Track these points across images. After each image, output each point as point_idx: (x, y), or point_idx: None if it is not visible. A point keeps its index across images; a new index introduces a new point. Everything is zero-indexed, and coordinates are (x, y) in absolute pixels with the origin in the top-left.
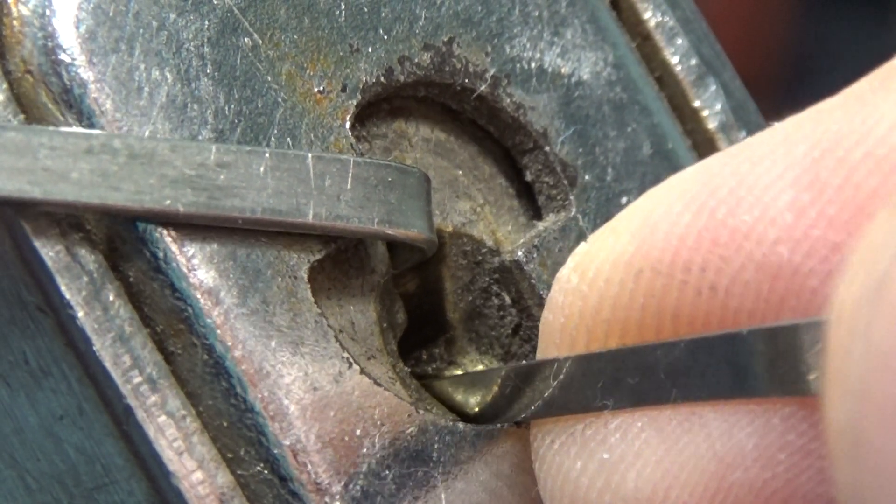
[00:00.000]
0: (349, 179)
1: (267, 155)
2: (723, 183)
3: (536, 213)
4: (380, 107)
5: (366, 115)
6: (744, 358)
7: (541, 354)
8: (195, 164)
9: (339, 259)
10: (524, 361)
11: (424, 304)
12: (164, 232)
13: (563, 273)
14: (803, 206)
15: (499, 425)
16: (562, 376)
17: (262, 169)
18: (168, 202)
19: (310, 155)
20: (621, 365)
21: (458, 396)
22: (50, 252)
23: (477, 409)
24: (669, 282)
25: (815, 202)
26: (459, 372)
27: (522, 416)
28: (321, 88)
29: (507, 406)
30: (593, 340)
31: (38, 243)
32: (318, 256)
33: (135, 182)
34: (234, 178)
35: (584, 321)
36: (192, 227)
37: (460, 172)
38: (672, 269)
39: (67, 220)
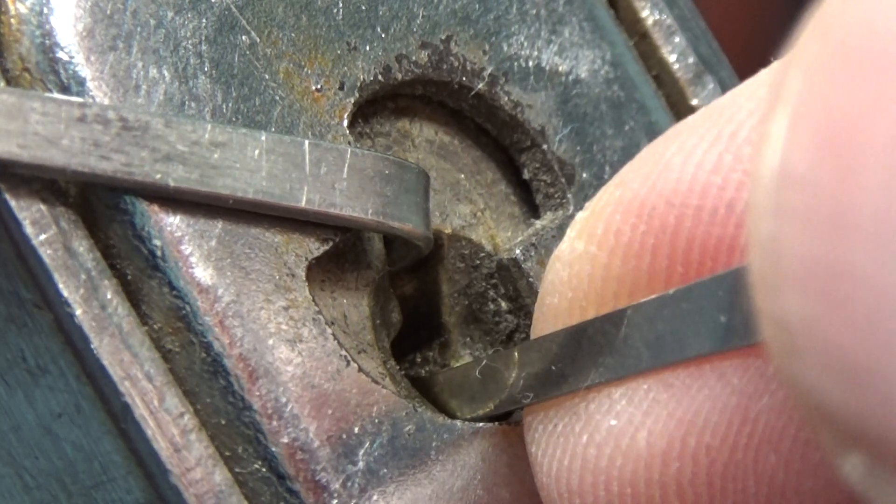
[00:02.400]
0: (345, 168)
1: (263, 138)
2: (740, 110)
3: (534, 212)
4: (384, 105)
5: (370, 113)
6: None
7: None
8: (189, 140)
9: (335, 252)
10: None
11: (420, 306)
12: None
13: (563, 247)
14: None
15: (497, 423)
16: (555, 350)
17: (256, 151)
18: (158, 176)
19: (306, 141)
20: (627, 324)
21: (452, 392)
22: (37, 231)
23: (467, 405)
24: (684, 210)
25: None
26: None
27: (525, 401)
28: (319, 86)
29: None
30: (604, 307)
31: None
32: (316, 254)
33: (126, 154)
34: (228, 158)
35: (594, 285)
36: (192, 224)
37: (462, 176)
38: (687, 197)
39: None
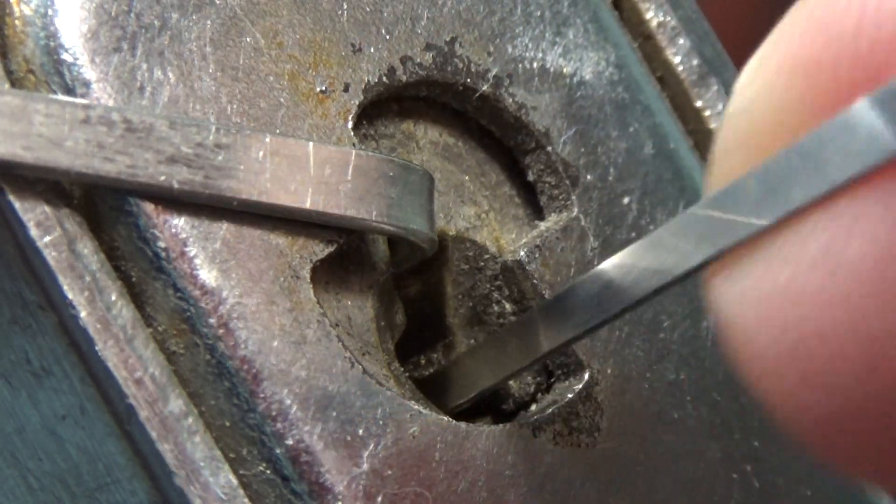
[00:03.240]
0: (350, 170)
1: (267, 139)
2: None
3: (538, 214)
4: (389, 107)
5: (374, 115)
6: None
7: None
8: (193, 142)
9: (339, 254)
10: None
11: (425, 308)
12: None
13: (741, 80)
14: None
15: (501, 426)
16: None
17: (261, 153)
18: (163, 178)
19: (311, 143)
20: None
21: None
22: (42, 233)
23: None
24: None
25: None
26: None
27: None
28: (323, 88)
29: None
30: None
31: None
32: (320, 256)
33: (130, 156)
34: (232, 160)
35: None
36: (196, 225)
37: (467, 178)
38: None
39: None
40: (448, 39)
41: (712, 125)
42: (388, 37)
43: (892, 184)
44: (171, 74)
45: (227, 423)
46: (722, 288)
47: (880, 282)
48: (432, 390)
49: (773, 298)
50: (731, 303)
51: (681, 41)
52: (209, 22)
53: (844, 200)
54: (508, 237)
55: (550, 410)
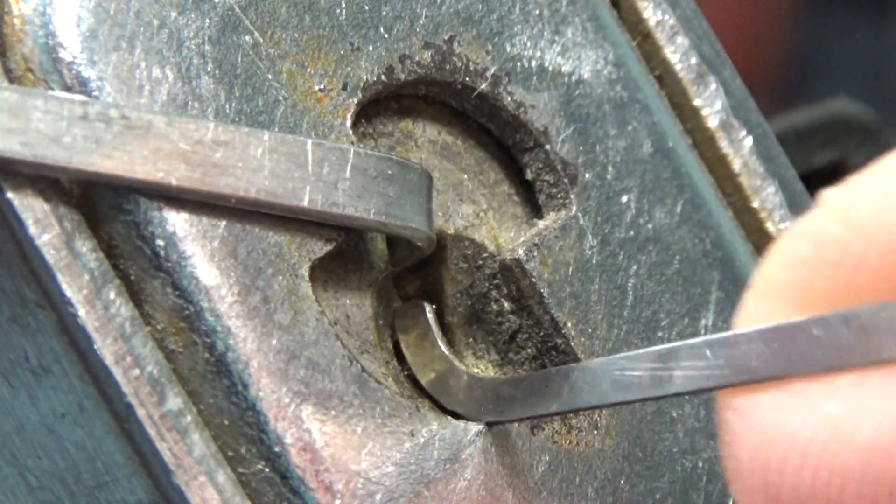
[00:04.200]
0: (348, 168)
1: (266, 137)
2: None
3: (537, 212)
4: (388, 105)
5: (373, 113)
6: None
7: (762, 313)
8: (192, 139)
9: (338, 253)
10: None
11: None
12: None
13: (811, 225)
14: None
15: (501, 424)
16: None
17: (259, 151)
18: (161, 175)
19: (309, 141)
20: (865, 322)
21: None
22: (40, 231)
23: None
24: None
25: None
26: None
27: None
28: (322, 87)
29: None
30: (843, 297)
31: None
32: (319, 255)
33: (128, 152)
34: (231, 157)
35: (840, 272)
36: (195, 223)
37: (465, 176)
38: None
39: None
40: (447, 38)
41: (711, 124)
42: (386, 35)
43: None
44: (169, 72)
45: (226, 422)
46: (741, 399)
47: (881, 468)
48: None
49: (781, 432)
50: (735, 409)
51: (679, 40)
52: (207, 20)
53: (881, 375)
54: (507, 235)
55: None
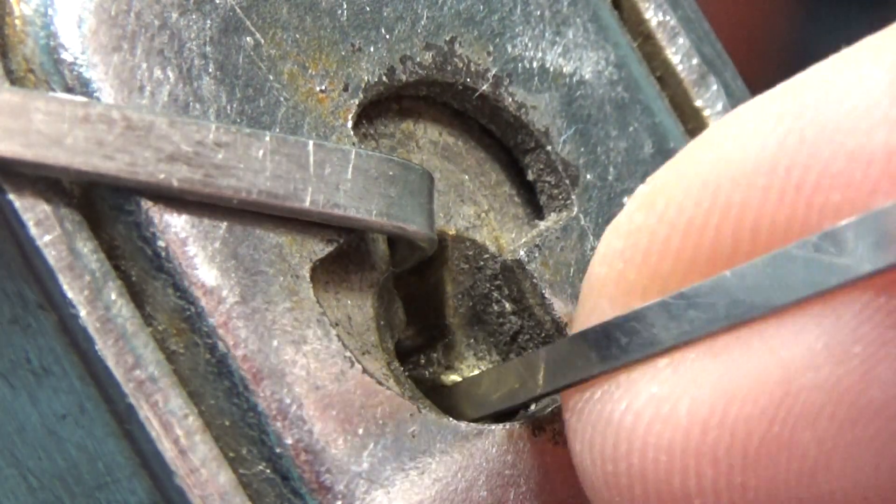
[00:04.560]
0: (349, 169)
1: (267, 138)
2: (806, 90)
3: (538, 213)
4: (389, 106)
5: (374, 115)
6: (829, 253)
7: (586, 313)
8: (193, 141)
9: (340, 254)
10: (574, 333)
11: (424, 307)
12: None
13: (621, 219)
14: None
15: (501, 425)
16: (640, 327)
17: (261, 152)
18: (162, 176)
19: (311, 142)
20: (675, 308)
21: (490, 390)
22: (41, 232)
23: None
24: (750, 191)
25: None
26: (456, 377)
27: (568, 381)
28: (323, 88)
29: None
30: (654, 283)
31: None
32: (320, 255)
33: (130, 153)
34: (232, 158)
35: (649, 259)
36: (196, 224)
37: (466, 177)
38: (753, 177)
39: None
40: (448, 39)
41: (712, 124)
42: (387, 36)
43: (740, 349)
44: (170, 73)
45: (227, 423)
46: (571, 394)
47: (698, 440)
48: (432, 392)
49: (609, 419)
50: (572, 410)
51: (680, 41)
52: (209, 21)
53: (695, 353)
54: (508, 236)
55: (550, 409)
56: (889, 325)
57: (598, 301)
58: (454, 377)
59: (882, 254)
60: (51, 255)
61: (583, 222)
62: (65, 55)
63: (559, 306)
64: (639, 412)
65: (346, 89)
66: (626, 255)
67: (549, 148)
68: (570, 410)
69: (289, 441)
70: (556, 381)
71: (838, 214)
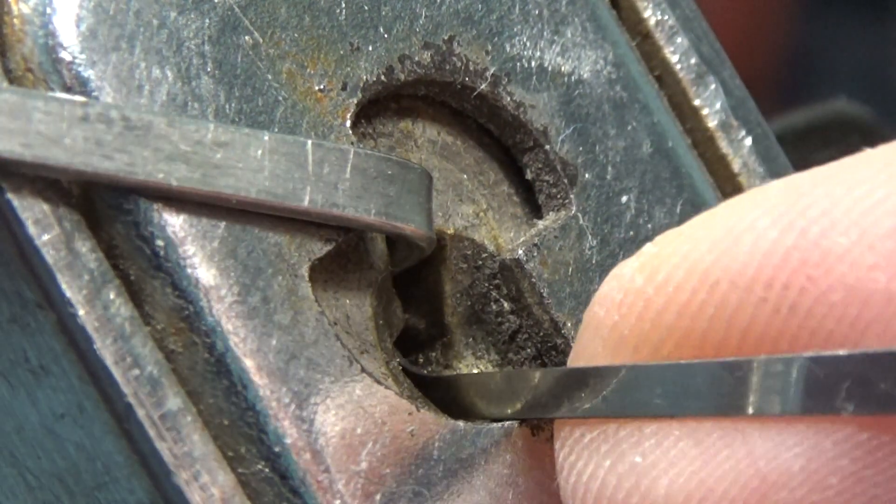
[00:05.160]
0: (348, 169)
1: (266, 138)
2: (815, 203)
3: (536, 212)
4: (387, 106)
5: (372, 114)
6: (811, 377)
7: (582, 347)
8: (192, 140)
9: (338, 253)
10: (568, 367)
11: (423, 306)
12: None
13: (625, 271)
14: None
15: (500, 424)
16: (614, 384)
17: (259, 151)
18: (161, 176)
19: (309, 141)
20: (675, 378)
21: (480, 397)
22: (40, 232)
23: (501, 411)
24: (747, 297)
25: None
26: (460, 373)
27: (555, 416)
28: (322, 87)
29: (538, 408)
30: (645, 345)
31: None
32: (319, 255)
33: (129, 153)
34: (231, 158)
35: (642, 324)
36: (195, 224)
37: (465, 176)
38: (752, 285)
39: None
40: (446, 38)
41: (710, 123)
42: (386, 35)
43: (721, 442)
44: (169, 72)
45: (226, 422)
46: (563, 425)
47: None
48: (431, 391)
49: (593, 475)
50: (563, 443)
51: (679, 40)
52: (207, 20)
53: (679, 432)
54: (507, 236)
55: None
56: (867, 465)
57: (593, 340)
58: (458, 373)
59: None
60: (49, 255)
61: (581, 221)
62: (63, 54)
63: (557, 305)
64: (621, 477)
65: (344, 88)
66: (623, 310)
67: (547, 147)
68: (560, 441)
69: (287, 440)
70: (534, 412)
71: (828, 342)
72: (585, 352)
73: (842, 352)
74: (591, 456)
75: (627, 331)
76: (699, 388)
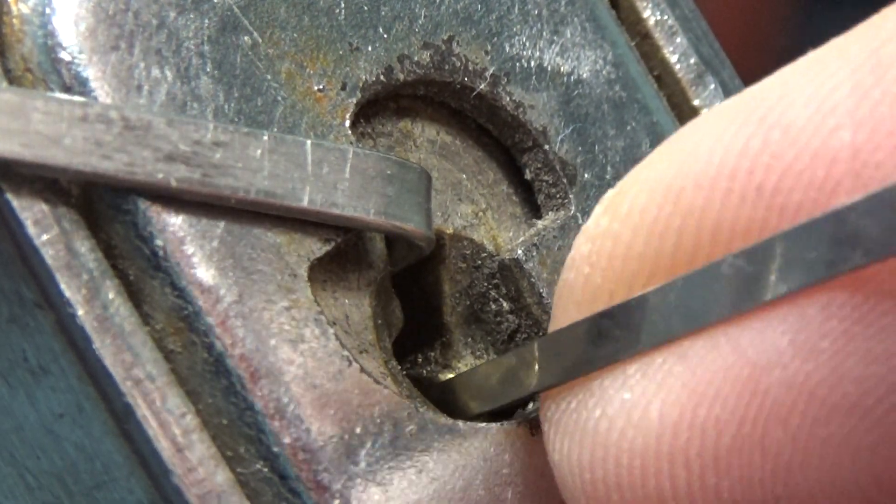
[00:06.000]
0: (347, 169)
1: (265, 138)
2: (771, 93)
3: (536, 212)
4: (386, 105)
5: (371, 114)
6: (799, 249)
7: (556, 319)
8: (191, 140)
9: (337, 252)
10: (543, 336)
11: (422, 306)
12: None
13: (589, 223)
14: (866, 89)
15: (499, 424)
16: (583, 336)
17: (259, 151)
18: (161, 176)
19: (308, 141)
20: (645, 309)
21: (469, 391)
22: (39, 231)
23: (485, 400)
24: (712, 194)
25: (880, 83)
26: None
27: (547, 385)
28: (321, 87)
29: (518, 385)
30: (619, 286)
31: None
32: (318, 255)
33: (128, 153)
34: (230, 158)
35: (613, 263)
36: (194, 224)
37: (464, 176)
38: (716, 180)
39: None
40: (445, 38)
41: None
42: (385, 35)
43: (705, 349)
44: (168, 73)
45: (225, 422)
46: (548, 404)
47: (670, 443)
48: (430, 390)
49: (584, 428)
50: (550, 420)
51: (678, 40)
52: (206, 20)
53: (662, 357)
54: (506, 235)
55: None
56: (855, 320)
57: (566, 306)
58: (451, 376)
59: (802, 274)
60: (48, 255)
61: (580, 221)
62: (62, 54)
63: None
64: (612, 418)
65: (343, 88)
66: (592, 259)
67: (546, 147)
68: (547, 421)
69: (286, 440)
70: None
71: (798, 215)
72: (559, 322)
73: (851, 200)
74: (580, 415)
75: (600, 278)
76: (713, 291)
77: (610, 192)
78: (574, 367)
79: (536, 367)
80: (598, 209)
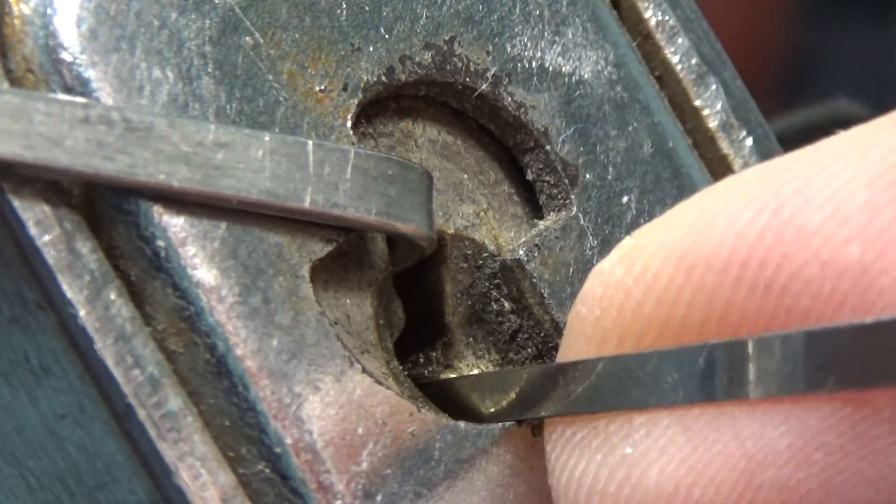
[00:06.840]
0: (349, 169)
1: (267, 138)
2: (788, 183)
3: (537, 212)
4: (387, 106)
5: (373, 114)
6: (789, 357)
7: (567, 347)
8: (193, 141)
9: (339, 253)
10: (552, 363)
11: (423, 306)
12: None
13: (605, 266)
14: (879, 207)
15: (500, 424)
16: (592, 377)
17: (260, 152)
18: (162, 177)
19: (310, 142)
20: (657, 367)
21: (474, 396)
22: (41, 232)
23: (492, 410)
24: (723, 279)
25: (892, 203)
26: (454, 376)
27: (544, 414)
28: (322, 87)
29: (527, 406)
30: (628, 336)
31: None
32: (319, 255)
33: (130, 154)
34: (232, 159)
35: (623, 315)
36: (196, 224)
37: (465, 176)
38: (728, 266)
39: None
40: (447, 38)
41: (711, 124)
42: (387, 36)
43: (709, 428)
44: (170, 73)
45: (227, 422)
46: (553, 425)
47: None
48: (431, 390)
49: (585, 470)
50: (553, 444)
51: (679, 40)
52: (208, 21)
53: (668, 421)
54: (507, 236)
55: None
56: (851, 438)
57: (578, 339)
58: (452, 376)
59: (778, 384)
60: (50, 255)
61: (582, 222)
62: (64, 55)
63: (558, 306)
64: (612, 469)
65: (345, 89)
66: (604, 304)
67: (548, 147)
68: (551, 441)
69: (288, 441)
70: (525, 409)
71: (806, 320)
72: (571, 351)
73: (833, 325)
74: (583, 452)
75: (610, 324)
76: (679, 375)
77: (627, 241)
78: (582, 402)
79: (520, 392)
80: (615, 255)
